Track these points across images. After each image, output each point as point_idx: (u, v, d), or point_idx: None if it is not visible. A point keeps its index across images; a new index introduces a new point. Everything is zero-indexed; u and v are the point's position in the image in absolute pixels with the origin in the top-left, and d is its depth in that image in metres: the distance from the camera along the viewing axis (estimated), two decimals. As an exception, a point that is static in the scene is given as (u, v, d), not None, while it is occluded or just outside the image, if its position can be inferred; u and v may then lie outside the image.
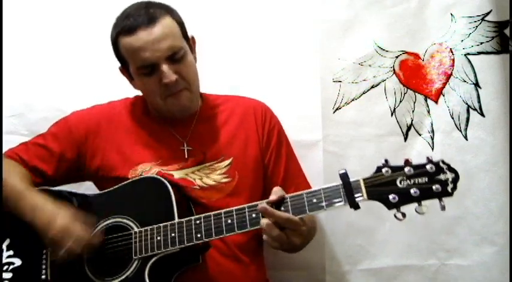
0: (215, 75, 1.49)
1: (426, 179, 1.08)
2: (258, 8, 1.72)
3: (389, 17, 1.67)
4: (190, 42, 1.42)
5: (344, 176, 1.12)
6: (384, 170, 1.10)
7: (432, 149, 1.63)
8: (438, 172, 1.08)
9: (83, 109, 1.51)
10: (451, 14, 1.64)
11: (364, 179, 1.11)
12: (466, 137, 1.61)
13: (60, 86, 1.71)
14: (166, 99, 1.37)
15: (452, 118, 1.63)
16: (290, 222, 1.14)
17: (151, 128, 1.44)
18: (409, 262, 1.61)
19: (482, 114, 1.60)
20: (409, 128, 1.65)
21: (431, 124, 1.65)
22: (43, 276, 1.31)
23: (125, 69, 1.41)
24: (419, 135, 1.65)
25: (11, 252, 1.34)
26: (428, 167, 1.08)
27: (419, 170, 1.08)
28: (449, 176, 1.07)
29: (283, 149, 1.50)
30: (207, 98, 1.51)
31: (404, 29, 1.66)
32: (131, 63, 1.36)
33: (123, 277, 1.24)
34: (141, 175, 1.36)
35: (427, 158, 1.09)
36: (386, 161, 1.11)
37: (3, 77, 1.57)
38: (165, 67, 1.31)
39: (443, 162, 1.09)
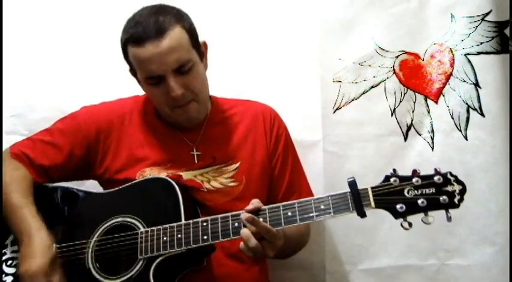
0: (215, 75, 1.49)
1: (434, 190, 1.09)
2: (258, 9, 1.72)
3: (389, 17, 1.67)
4: (202, 48, 1.38)
5: (352, 184, 1.12)
6: (392, 179, 1.11)
7: (432, 149, 1.64)
8: (446, 183, 1.09)
9: (92, 105, 1.48)
10: (451, 14, 1.65)
11: (372, 188, 1.12)
12: (466, 137, 1.61)
13: (60, 86, 1.71)
14: (174, 110, 1.36)
15: (452, 118, 1.63)
16: (269, 233, 1.15)
17: (161, 131, 1.43)
18: (409, 262, 1.61)
19: (482, 114, 1.61)
20: (409, 128, 1.66)
21: (431, 124, 1.65)
22: None
23: (133, 72, 1.39)
24: (419, 135, 1.65)
25: (15, 248, 1.33)
26: (436, 178, 1.09)
27: (427, 180, 1.10)
28: (457, 187, 1.09)
29: (290, 156, 1.49)
30: (216, 102, 1.50)
31: (404, 29, 1.66)
32: (139, 72, 1.34)
33: (128, 276, 1.23)
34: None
35: (435, 169, 1.11)
36: (394, 170, 1.12)
37: (3, 77, 1.57)
38: (171, 80, 1.29)
39: (450, 174, 1.10)
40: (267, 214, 1.17)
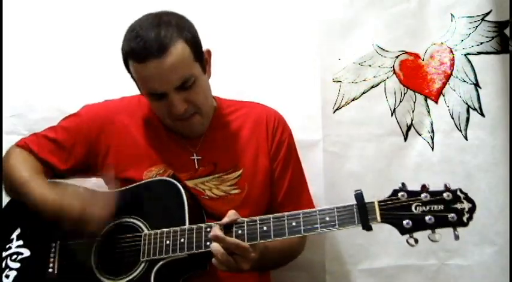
0: (215, 76, 1.49)
1: (442, 207, 1.06)
2: (257, 9, 1.72)
3: (389, 17, 1.67)
4: (205, 56, 1.35)
5: (359, 197, 1.10)
6: (400, 194, 1.09)
7: (432, 149, 1.64)
8: (455, 201, 1.06)
9: (95, 104, 1.48)
10: (451, 14, 1.65)
11: (379, 202, 1.10)
12: (466, 137, 1.61)
13: (60, 86, 1.71)
14: (176, 123, 1.35)
15: (452, 118, 1.63)
16: (239, 248, 1.13)
17: (162, 134, 1.42)
18: (409, 262, 1.61)
19: (482, 114, 1.61)
20: (409, 128, 1.66)
21: (431, 124, 1.65)
22: (50, 270, 1.30)
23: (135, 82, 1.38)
24: (419, 135, 1.65)
25: (20, 242, 1.34)
26: (445, 194, 1.07)
27: (436, 197, 1.07)
28: (466, 205, 1.06)
29: (291, 164, 1.46)
30: (220, 104, 1.48)
31: (404, 29, 1.67)
32: (140, 86, 1.33)
33: (129, 278, 1.23)
34: (155, 177, 1.35)
35: (445, 185, 1.08)
36: (403, 184, 1.10)
37: (3, 77, 1.57)
38: (174, 97, 1.27)
39: (461, 191, 1.08)
40: (271, 223, 1.15)
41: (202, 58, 1.33)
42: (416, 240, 1.07)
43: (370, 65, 1.67)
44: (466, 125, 1.62)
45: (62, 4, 1.75)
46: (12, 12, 1.71)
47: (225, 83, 1.60)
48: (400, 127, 1.65)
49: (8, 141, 1.48)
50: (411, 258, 1.61)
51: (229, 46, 1.69)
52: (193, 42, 1.30)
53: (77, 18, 1.74)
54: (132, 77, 1.36)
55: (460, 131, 1.62)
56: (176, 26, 1.27)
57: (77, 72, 1.72)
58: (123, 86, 1.50)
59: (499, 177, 1.57)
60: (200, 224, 1.21)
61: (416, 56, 1.67)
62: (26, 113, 1.70)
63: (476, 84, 1.62)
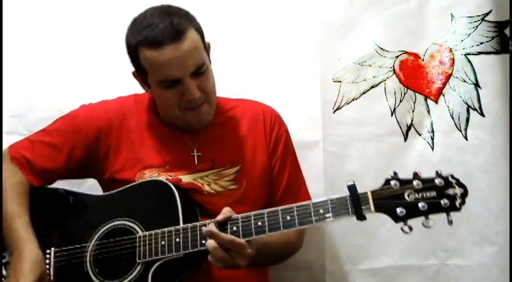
0: (215, 76, 1.48)
1: (434, 193, 1.08)
2: (257, 8, 1.72)
3: (389, 17, 1.67)
4: (208, 49, 1.37)
5: (352, 188, 1.11)
6: (392, 182, 1.09)
7: (432, 149, 1.64)
8: (447, 186, 1.08)
9: (92, 104, 1.47)
10: (451, 14, 1.65)
11: (372, 192, 1.10)
12: (466, 137, 1.61)
13: (60, 86, 1.71)
14: (185, 112, 1.35)
15: (452, 118, 1.63)
16: (234, 244, 1.14)
17: (162, 132, 1.42)
18: (409, 262, 1.61)
19: (482, 114, 1.61)
20: (409, 128, 1.66)
21: (431, 124, 1.65)
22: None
23: (139, 75, 1.37)
24: (419, 135, 1.65)
25: None
26: (437, 181, 1.08)
27: (428, 183, 1.08)
28: (458, 190, 1.08)
29: (289, 159, 1.47)
30: (218, 102, 1.47)
31: (404, 29, 1.67)
32: (152, 75, 1.31)
33: (127, 281, 1.23)
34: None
35: (436, 172, 1.09)
36: (395, 173, 1.11)
37: (3, 77, 1.57)
38: (189, 83, 1.28)
39: (452, 176, 1.09)
40: (266, 218, 1.15)
41: (207, 49, 1.37)
42: (410, 228, 1.08)
43: (370, 65, 1.67)
44: (466, 125, 1.62)
45: (62, 4, 1.75)
46: (12, 12, 1.71)
47: (225, 82, 1.59)
48: (400, 127, 1.65)
49: (8, 141, 1.48)
50: (411, 258, 1.61)
51: (230, 46, 1.69)
52: (201, 32, 1.33)
53: (77, 18, 1.74)
54: (138, 70, 1.35)
55: (460, 131, 1.62)
56: (185, 16, 1.30)
57: (77, 72, 1.72)
58: (123, 85, 1.50)
59: (499, 177, 1.57)
60: (195, 223, 1.21)
61: (416, 56, 1.67)
62: (26, 113, 1.70)
63: (476, 84, 1.62)
